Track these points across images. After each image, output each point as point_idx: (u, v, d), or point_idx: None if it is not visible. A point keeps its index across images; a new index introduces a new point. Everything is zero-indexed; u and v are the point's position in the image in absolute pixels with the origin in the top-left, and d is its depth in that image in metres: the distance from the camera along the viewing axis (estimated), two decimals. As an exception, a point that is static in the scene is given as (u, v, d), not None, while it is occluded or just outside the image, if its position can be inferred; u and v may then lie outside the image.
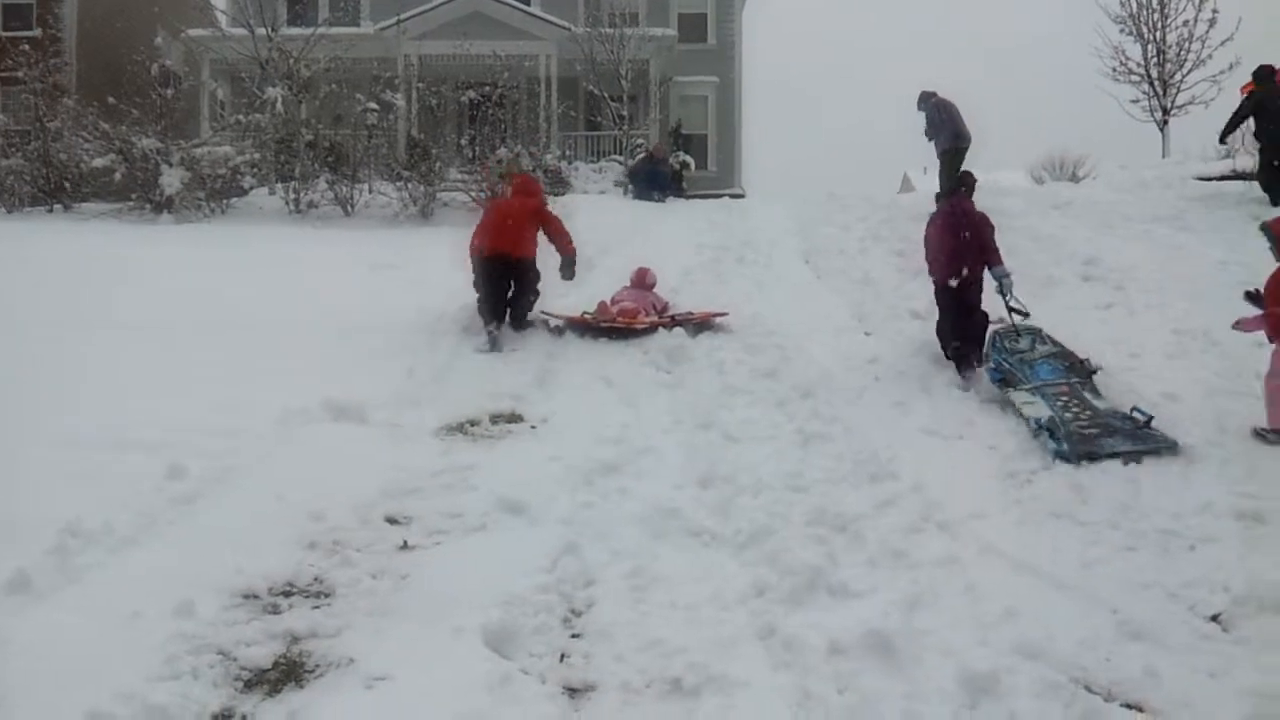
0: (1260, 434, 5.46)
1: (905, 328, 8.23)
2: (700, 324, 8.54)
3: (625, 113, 21.49)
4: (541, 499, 4.87)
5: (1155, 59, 18.64)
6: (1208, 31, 18.07)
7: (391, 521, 4.70)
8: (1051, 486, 5.00)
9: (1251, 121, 12.10)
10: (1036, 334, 6.89)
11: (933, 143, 13.12)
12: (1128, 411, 5.72)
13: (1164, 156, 17.73)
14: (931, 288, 7.33)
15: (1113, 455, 5.30)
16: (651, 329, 8.32)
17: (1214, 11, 17.98)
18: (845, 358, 7.64)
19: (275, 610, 3.88)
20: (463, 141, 16.07)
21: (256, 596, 3.96)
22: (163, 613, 3.67)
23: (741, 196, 20.80)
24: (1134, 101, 19.13)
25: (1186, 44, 18.38)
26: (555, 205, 11.07)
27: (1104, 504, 4.75)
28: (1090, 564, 4.24)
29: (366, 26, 22.10)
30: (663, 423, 6.26)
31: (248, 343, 7.38)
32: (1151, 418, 5.54)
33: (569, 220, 9.10)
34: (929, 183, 13.66)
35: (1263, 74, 12.52)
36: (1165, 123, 18.81)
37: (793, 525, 4.66)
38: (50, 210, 14.41)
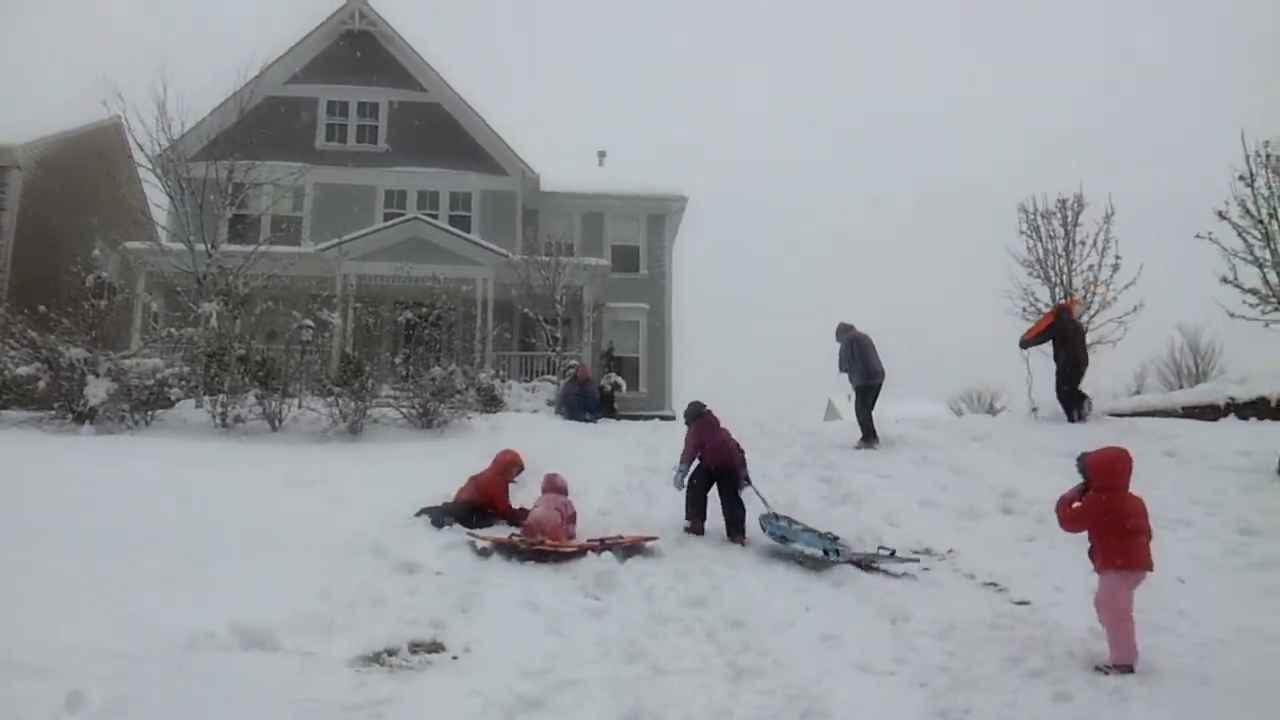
0: (1102, 670, 5.56)
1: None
2: (629, 548, 8.47)
3: (559, 335, 22.02)
4: (459, 738, 4.64)
5: (1062, 301, 19.69)
6: (1112, 275, 19.24)
7: (298, 761, 4.42)
8: (983, 727, 4.91)
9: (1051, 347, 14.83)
10: (789, 518, 9.02)
11: (847, 375, 13.66)
12: (876, 550, 8.22)
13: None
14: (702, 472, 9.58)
15: (873, 566, 7.86)
16: (580, 552, 8.23)
17: (1117, 258, 19.23)
18: (775, 585, 7.59)
19: None
20: (397, 360, 16.20)
21: (143, 847, 3.65)
22: None
23: (671, 418, 21.11)
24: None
25: (1092, 287, 19.49)
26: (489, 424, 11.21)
27: (1037, 746, 4.66)
28: (1026, 811, 4.12)
29: (307, 246, 22.65)
30: (590, 653, 6.07)
31: (156, 559, 7.08)
32: (894, 550, 8.11)
33: (501, 433, 9.23)
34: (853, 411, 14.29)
35: (1062, 307, 15.69)
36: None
37: (722, 767, 4.48)
38: (-34, 416, 14.04)
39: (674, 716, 5.03)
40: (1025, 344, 15.15)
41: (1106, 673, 5.53)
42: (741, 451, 9.75)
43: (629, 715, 5.04)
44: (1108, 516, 5.87)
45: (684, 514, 9.50)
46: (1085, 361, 14.91)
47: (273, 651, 5.69)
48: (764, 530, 8.96)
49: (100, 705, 4.61)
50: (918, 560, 8.07)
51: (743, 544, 8.98)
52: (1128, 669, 5.53)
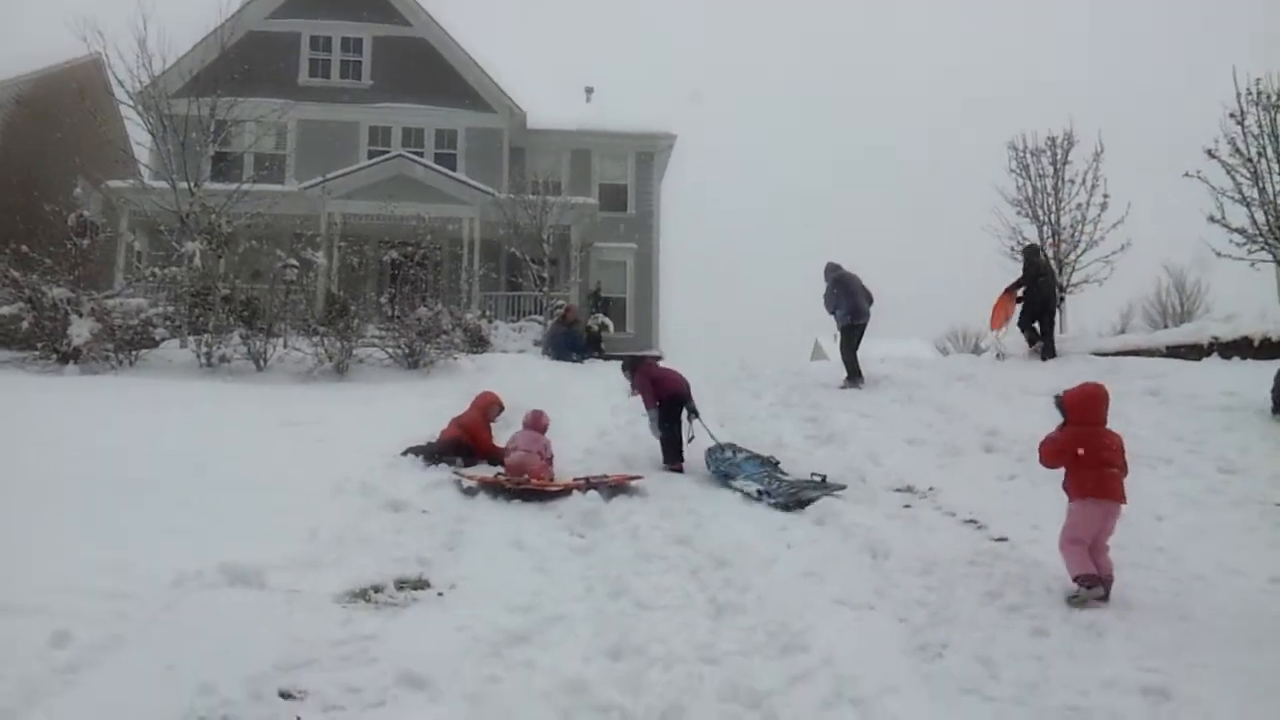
0: (1071, 597, 5.70)
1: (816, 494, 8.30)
2: (615, 487, 8.53)
3: (546, 275, 21.93)
4: (445, 673, 4.68)
5: (1051, 240, 19.64)
6: (1100, 215, 19.16)
7: (285, 696, 4.46)
8: (961, 661, 4.98)
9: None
10: (733, 446, 9.50)
11: (833, 315, 13.68)
12: (809, 476, 8.62)
13: (1062, 332, 18.53)
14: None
15: (811, 500, 7.96)
16: (565, 491, 8.29)
17: (1105, 196, 19.13)
18: (758, 524, 7.66)
19: (152, 795, 3.62)
20: (383, 299, 16.13)
21: (133, 779, 3.70)
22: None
23: (659, 358, 21.15)
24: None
25: (1080, 226, 19.41)
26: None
27: (1012, 680, 4.73)
28: (1000, 742, 4.20)
29: (291, 184, 22.41)
30: (574, 590, 6.14)
31: (142, 500, 7.13)
32: (825, 476, 8.52)
33: (488, 373, 9.27)
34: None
35: (1031, 250, 15.93)
36: (1062, 300, 19.70)
37: (704, 701, 4.54)
38: (-50, 356, 13.99)
39: (657, 651, 5.08)
40: (1012, 290, 15.29)
41: (1075, 595, 5.67)
42: (686, 383, 10.19)
43: (613, 649, 5.11)
44: (1083, 449, 5.97)
45: (663, 457, 9.73)
46: (1055, 301, 15.42)
47: (260, 589, 5.73)
48: (709, 466, 9.33)
49: (87, 642, 4.65)
50: (844, 487, 8.40)
51: (677, 465, 9.59)
52: (1091, 580, 5.67)
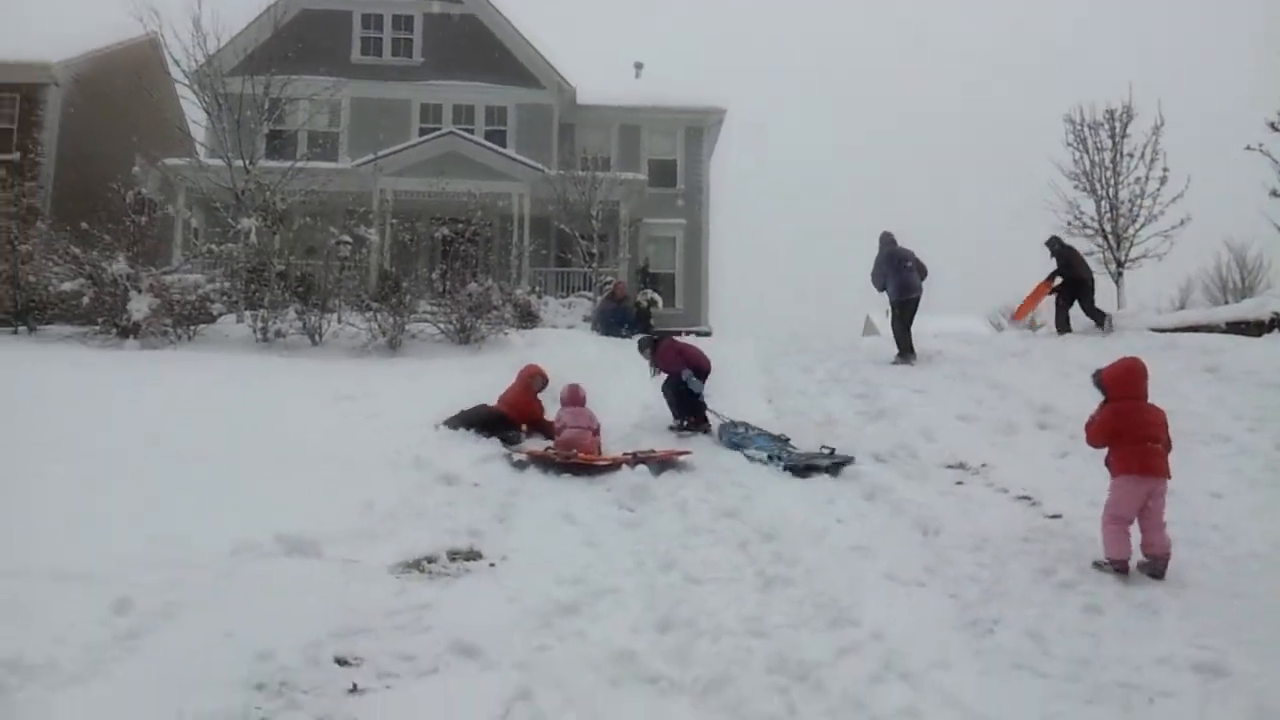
0: (1098, 565, 5.80)
1: (865, 469, 8.26)
2: (663, 462, 8.56)
3: (595, 251, 21.93)
4: (497, 642, 4.76)
5: (1109, 214, 19.30)
6: (1159, 189, 18.78)
7: (341, 662, 4.56)
8: (1012, 637, 4.96)
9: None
10: (745, 424, 9.68)
11: (884, 293, 13.57)
12: (819, 449, 8.74)
13: (1119, 307, 18.22)
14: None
15: (817, 469, 8.22)
16: (614, 466, 8.34)
17: (1164, 170, 18.75)
18: (807, 499, 7.64)
19: (214, 756, 3.72)
20: (434, 275, 16.26)
21: (197, 740, 3.81)
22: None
23: (708, 334, 21.14)
24: (1089, 254, 19.73)
25: (1139, 200, 19.04)
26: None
27: (1064, 656, 4.70)
28: (1051, 718, 4.17)
29: (343, 162, 22.61)
30: (624, 563, 6.19)
31: (201, 472, 7.28)
32: (834, 449, 8.63)
33: (538, 348, 9.33)
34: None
35: (1054, 241, 15.65)
36: (1120, 275, 19.36)
37: (752, 673, 4.57)
38: (15, 331, 14.34)
39: (706, 624, 5.11)
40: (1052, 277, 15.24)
41: (1101, 568, 5.75)
42: (709, 363, 10.41)
43: (662, 622, 5.15)
44: (1124, 424, 5.94)
45: (684, 422, 10.12)
46: (1090, 279, 15.32)
47: (316, 559, 5.85)
48: (722, 439, 9.58)
49: (148, 609, 4.78)
50: (853, 460, 8.45)
51: (687, 431, 9.99)
52: (1120, 565, 5.70)
